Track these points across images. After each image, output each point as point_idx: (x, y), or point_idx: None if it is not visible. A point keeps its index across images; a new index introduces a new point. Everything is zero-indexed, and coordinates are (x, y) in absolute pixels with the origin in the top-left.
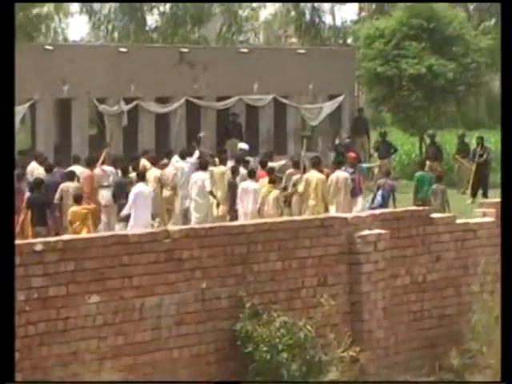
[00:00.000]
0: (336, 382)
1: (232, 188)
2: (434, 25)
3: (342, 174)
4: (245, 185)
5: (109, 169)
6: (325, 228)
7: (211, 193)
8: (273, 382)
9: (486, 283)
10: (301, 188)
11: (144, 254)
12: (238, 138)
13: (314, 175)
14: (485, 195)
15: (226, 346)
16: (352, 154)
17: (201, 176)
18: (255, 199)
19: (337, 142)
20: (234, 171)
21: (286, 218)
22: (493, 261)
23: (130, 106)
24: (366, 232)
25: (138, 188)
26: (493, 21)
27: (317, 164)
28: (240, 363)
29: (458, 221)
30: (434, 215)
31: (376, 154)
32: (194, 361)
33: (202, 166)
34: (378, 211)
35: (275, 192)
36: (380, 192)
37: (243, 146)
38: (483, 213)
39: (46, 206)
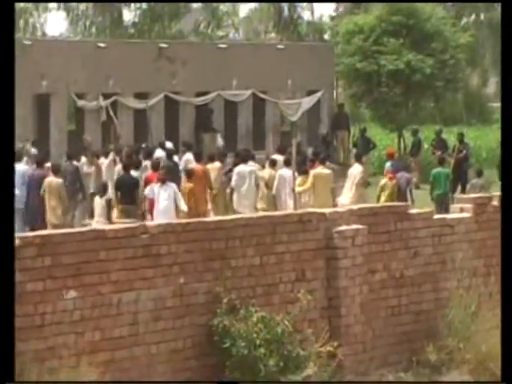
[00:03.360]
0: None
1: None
2: (413, 21)
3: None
4: (283, 172)
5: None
6: (303, 223)
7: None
8: (275, 382)
9: (462, 279)
10: (309, 183)
11: (121, 249)
12: (212, 132)
13: (322, 171)
14: (463, 191)
15: (204, 342)
16: (391, 149)
17: (248, 169)
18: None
19: (324, 132)
20: (274, 163)
21: (263, 213)
22: (470, 256)
23: (109, 101)
24: (343, 227)
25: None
26: (472, 17)
27: (324, 160)
28: (217, 358)
29: (436, 216)
30: (412, 211)
31: (355, 150)
32: (172, 356)
33: (246, 159)
34: (355, 206)
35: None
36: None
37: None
38: (461, 208)
39: (134, 186)
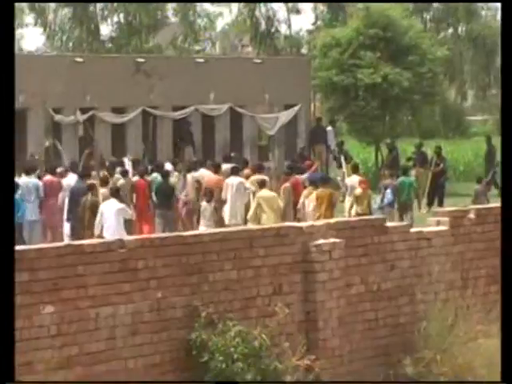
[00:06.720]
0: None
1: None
2: (391, 34)
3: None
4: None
5: None
6: (280, 237)
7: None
8: (275, 382)
9: (439, 291)
10: (253, 208)
11: (99, 263)
12: (191, 145)
13: (267, 193)
14: (440, 204)
15: (181, 356)
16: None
17: (236, 181)
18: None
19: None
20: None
21: (240, 227)
22: (446, 269)
23: (86, 116)
24: (320, 241)
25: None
26: (450, 31)
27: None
28: (195, 373)
29: (413, 229)
30: (389, 224)
31: (334, 163)
32: (149, 371)
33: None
34: (332, 220)
35: (315, 193)
36: (389, 191)
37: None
38: (437, 221)
39: (171, 193)
